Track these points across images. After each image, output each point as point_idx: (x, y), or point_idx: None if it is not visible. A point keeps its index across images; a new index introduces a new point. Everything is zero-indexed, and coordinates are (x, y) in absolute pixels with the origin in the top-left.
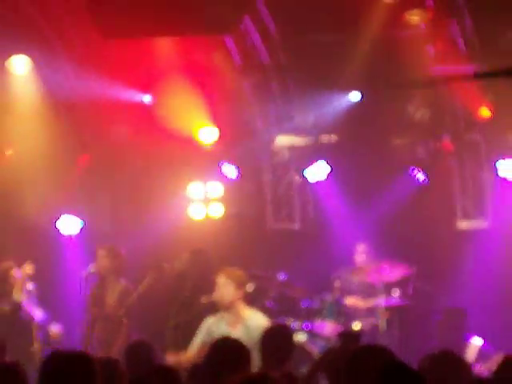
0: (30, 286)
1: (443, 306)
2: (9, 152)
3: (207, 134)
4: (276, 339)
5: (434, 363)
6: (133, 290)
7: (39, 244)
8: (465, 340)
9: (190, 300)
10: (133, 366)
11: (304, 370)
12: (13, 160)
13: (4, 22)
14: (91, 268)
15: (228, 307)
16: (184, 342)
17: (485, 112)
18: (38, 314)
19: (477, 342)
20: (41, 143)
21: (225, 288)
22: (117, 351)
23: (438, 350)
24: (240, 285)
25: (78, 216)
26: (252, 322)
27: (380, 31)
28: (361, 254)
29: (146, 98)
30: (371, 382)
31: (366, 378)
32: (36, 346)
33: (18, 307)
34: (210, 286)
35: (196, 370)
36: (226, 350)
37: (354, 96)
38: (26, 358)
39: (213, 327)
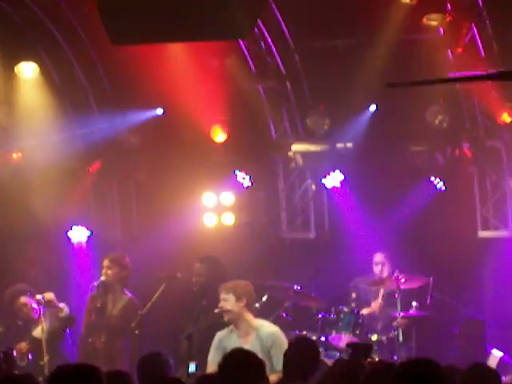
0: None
1: (462, 317)
2: (17, 155)
3: (220, 133)
4: (303, 352)
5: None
6: (137, 304)
7: (50, 252)
8: (484, 352)
9: (207, 309)
10: (146, 378)
11: None
12: (21, 164)
13: (14, 26)
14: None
15: (235, 319)
16: (198, 352)
17: (506, 118)
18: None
19: (497, 353)
20: (50, 149)
21: (226, 302)
22: (126, 363)
23: (469, 364)
24: (240, 296)
25: (88, 225)
26: (263, 331)
27: (398, 35)
28: (378, 263)
29: (159, 111)
30: None
31: None
32: (46, 359)
33: (37, 343)
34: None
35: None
36: (239, 362)
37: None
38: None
39: (224, 341)
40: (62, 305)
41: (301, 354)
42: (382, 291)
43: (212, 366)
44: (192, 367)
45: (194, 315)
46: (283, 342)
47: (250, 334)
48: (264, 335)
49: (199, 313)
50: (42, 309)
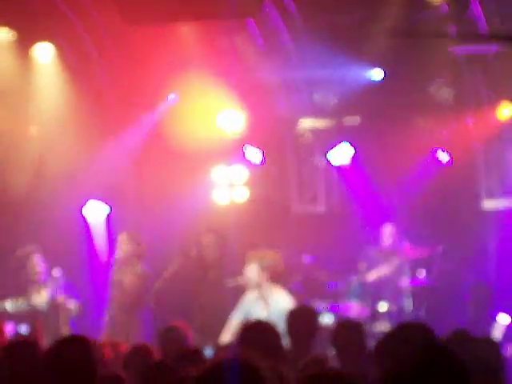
0: (56, 272)
1: (469, 285)
2: (34, 128)
3: (231, 120)
4: (300, 320)
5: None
6: (152, 275)
7: (66, 229)
8: (491, 318)
9: (214, 281)
10: (167, 349)
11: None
12: (38, 143)
13: (28, 9)
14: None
15: (256, 288)
16: (212, 323)
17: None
18: (69, 304)
19: (503, 319)
20: (66, 130)
21: (249, 271)
22: (142, 336)
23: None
24: (265, 266)
25: (103, 201)
26: (278, 304)
27: (401, 11)
28: (386, 235)
29: (171, 97)
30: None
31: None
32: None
33: (35, 311)
34: (231, 266)
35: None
36: (259, 334)
37: (377, 74)
38: None
39: (251, 303)
40: (71, 304)
41: (299, 322)
42: (389, 261)
43: (234, 324)
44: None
45: (202, 289)
46: None
47: (266, 304)
48: (275, 308)
49: (207, 287)
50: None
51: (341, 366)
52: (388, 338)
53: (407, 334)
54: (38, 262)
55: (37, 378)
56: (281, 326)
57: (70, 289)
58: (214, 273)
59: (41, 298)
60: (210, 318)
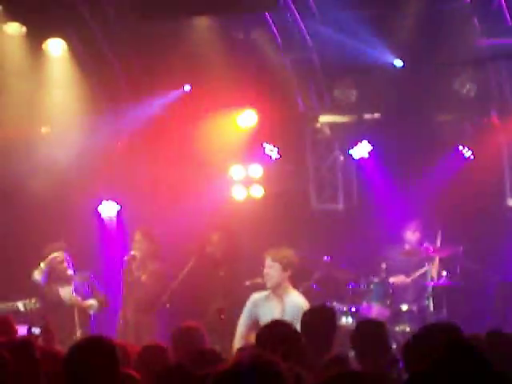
0: (83, 272)
1: (492, 284)
2: (46, 129)
3: (246, 118)
4: (318, 319)
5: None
6: (168, 273)
7: (81, 228)
8: None
9: (225, 281)
10: (181, 350)
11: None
12: (50, 138)
13: (40, 3)
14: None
15: (274, 288)
16: (228, 325)
17: None
18: (88, 303)
19: None
20: (78, 126)
21: (271, 269)
22: (156, 336)
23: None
24: (286, 266)
25: (118, 199)
26: (291, 302)
27: (424, 4)
28: (407, 233)
29: (186, 88)
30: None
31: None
32: (79, 334)
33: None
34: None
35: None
36: (279, 334)
37: (397, 63)
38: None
39: (259, 306)
40: (88, 303)
41: (316, 322)
42: (411, 260)
43: (240, 331)
44: None
45: (215, 287)
46: None
47: (281, 303)
48: (289, 308)
49: (219, 285)
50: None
51: (362, 366)
52: (415, 339)
53: (434, 334)
54: (65, 259)
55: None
56: (296, 326)
57: (94, 287)
58: (225, 270)
59: (65, 293)
60: (226, 318)
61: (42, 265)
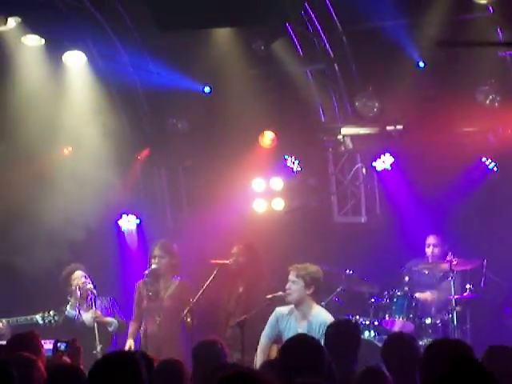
0: (89, 285)
1: None
2: (68, 149)
3: (267, 138)
4: (342, 334)
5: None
6: (190, 285)
7: (100, 242)
8: None
9: (244, 296)
10: (202, 365)
11: None
12: (72, 158)
13: (60, 15)
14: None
15: (296, 304)
16: (248, 339)
17: None
18: (109, 318)
19: None
20: (99, 139)
21: (293, 285)
22: (179, 350)
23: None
24: (310, 283)
25: (138, 213)
26: (316, 319)
27: (446, 15)
28: (430, 245)
29: (207, 89)
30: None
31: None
32: (99, 349)
33: (68, 320)
34: (263, 281)
35: (268, 366)
36: (304, 348)
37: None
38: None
39: (282, 321)
40: (109, 319)
41: (340, 336)
42: (435, 274)
43: (265, 342)
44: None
45: (232, 302)
46: None
47: (305, 319)
48: (316, 323)
49: (237, 300)
50: (93, 297)
51: (394, 380)
52: (425, 353)
53: (441, 349)
54: (85, 280)
55: None
56: (320, 341)
57: (115, 307)
58: (244, 283)
59: (87, 314)
60: (245, 332)
61: (72, 299)
